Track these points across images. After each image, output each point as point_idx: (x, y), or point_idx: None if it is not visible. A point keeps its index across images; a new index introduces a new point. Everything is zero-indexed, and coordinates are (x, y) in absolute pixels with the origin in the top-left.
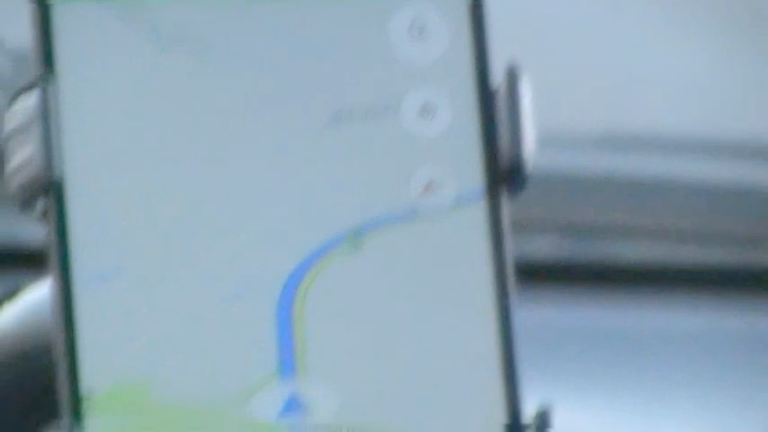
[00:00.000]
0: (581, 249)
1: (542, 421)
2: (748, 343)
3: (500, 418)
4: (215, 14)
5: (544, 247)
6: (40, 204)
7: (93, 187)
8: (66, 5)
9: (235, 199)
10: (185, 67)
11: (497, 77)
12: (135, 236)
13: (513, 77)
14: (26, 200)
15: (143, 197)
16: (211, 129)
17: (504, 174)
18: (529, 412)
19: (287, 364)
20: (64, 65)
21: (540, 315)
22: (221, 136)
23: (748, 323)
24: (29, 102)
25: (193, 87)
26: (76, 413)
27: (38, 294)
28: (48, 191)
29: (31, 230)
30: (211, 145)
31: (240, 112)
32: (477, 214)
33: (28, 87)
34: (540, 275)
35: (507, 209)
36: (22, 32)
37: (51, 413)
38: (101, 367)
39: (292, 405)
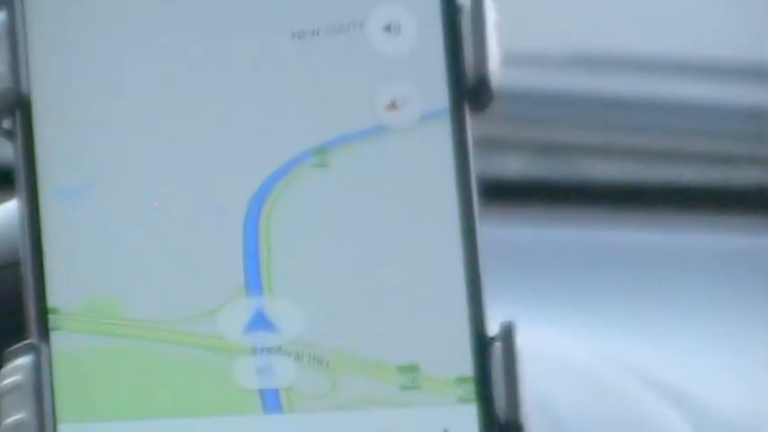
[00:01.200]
0: (552, 168)
1: (507, 335)
2: (714, 259)
3: (466, 335)
4: None
5: (515, 166)
6: (5, 120)
7: (60, 104)
8: None
9: (201, 116)
10: None
11: None
12: (103, 153)
13: None
14: None
15: (111, 114)
16: (177, 45)
17: (468, 91)
18: (494, 328)
19: (253, 281)
20: None
21: (511, 233)
22: (187, 52)
23: (717, 240)
24: None
25: (160, 5)
26: (43, 329)
27: (6, 210)
28: (15, 107)
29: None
30: (177, 62)
31: (205, 29)
32: (442, 131)
33: None
34: (511, 194)
35: (472, 126)
36: None
37: (20, 331)
38: (69, 283)
39: (258, 323)
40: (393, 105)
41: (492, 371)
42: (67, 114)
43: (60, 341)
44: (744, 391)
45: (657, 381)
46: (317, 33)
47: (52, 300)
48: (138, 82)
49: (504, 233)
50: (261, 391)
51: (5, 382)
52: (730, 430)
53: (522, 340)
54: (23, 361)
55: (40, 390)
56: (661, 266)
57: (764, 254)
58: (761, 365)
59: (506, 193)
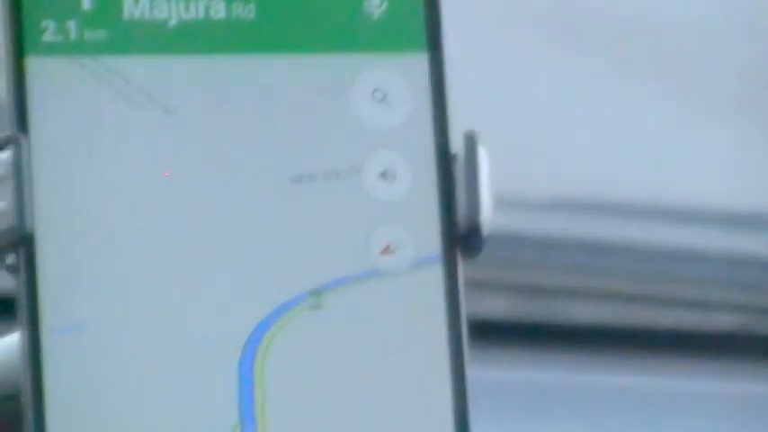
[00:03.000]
0: (533, 309)
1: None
2: (693, 402)
3: None
4: (184, 71)
5: (499, 307)
6: (9, 257)
7: (63, 241)
8: (40, 60)
9: (200, 255)
10: (155, 122)
11: (457, 144)
12: (103, 289)
13: (471, 144)
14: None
15: (112, 252)
16: (179, 184)
17: (461, 238)
18: None
19: (247, 419)
20: (37, 121)
21: (494, 372)
22: (188, 192)
23: (692, 382)
24: (2, 157)
25: (162, 143)
26: None
27: (8, 342)
28: (19, 244)
29: (3, 278)
30: (179, 200)
31: (207, 170)
32: (435, 276)
33: (2, 144)
34: (494, 333)
35: (463, 271)
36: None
37: None
38: (67, 415)
39: None
40: (387, 250)
41: None
42: (69, 251)
43: None
44: None
45: None
46: (315, 178)
47: (51, 430)
48: (140, 220)
49: (486, 373)
50: None
51: None
52: None
53: None
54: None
55: None
56: (639, 408)
57: (744, 399)
58: None
59: (490, 334)
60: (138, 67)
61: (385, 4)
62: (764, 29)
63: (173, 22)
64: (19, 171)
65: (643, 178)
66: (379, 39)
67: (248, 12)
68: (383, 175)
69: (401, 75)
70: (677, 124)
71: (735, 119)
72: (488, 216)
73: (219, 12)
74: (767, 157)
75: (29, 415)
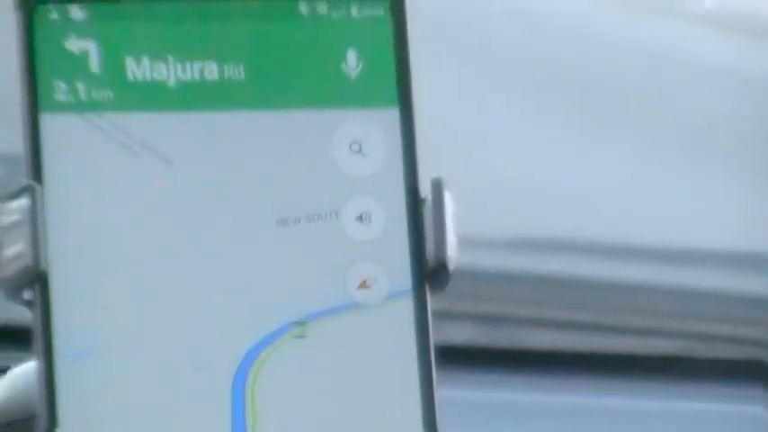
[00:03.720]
0: (495, 337)
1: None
2: (642, 418)
3: None
4: (181, 126)
5: (464, 334)
6: (26, 293)
7: (73, 278)
8: (52, 116)
9: (196, 289)
10: (154, 171)
11: (425, 189)
12: (108, 320)
13: (438, 190)
14: (15, 288)
15: (117, 286)
16: (176, 226)
17: (429, 273)
18: None
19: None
20: (50, 171)
21: (459, 392)
22: (185, 233)
23: (640, 401)
24: (20, 204)
25: (161, 190)
26: None
27: (25, 370)
28: (35, 282)
29: (20, 311)
30: (176, 240)
31: (202, 214)
32: (406, 307)
33: (19, 192)
34: (460, 358)
35: (432, 303)
36: (15, 139)
37: None
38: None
39: None
40: (363, 284)
41: None
42: (79, 286)
43: None
44: None
45: None
46: (299, 221)
47: None
48: (141, 258)
49: (452, 393)
50: None
51: None
52: None
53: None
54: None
55: None
56: (592, 424)
57: (687, 415)
58: None
59: (456, 358)
60: (139, 123)
61: (361, 66)
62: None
63: (171, 82)
64: (34, 216)
65: (593, 217)
66: (356, 96)
67: (238, 73)
68: (360, 218)
69: (375, 128)
70: (626, 165)
71: (682, 158)
72: (454, 254)
73: (212, 73)
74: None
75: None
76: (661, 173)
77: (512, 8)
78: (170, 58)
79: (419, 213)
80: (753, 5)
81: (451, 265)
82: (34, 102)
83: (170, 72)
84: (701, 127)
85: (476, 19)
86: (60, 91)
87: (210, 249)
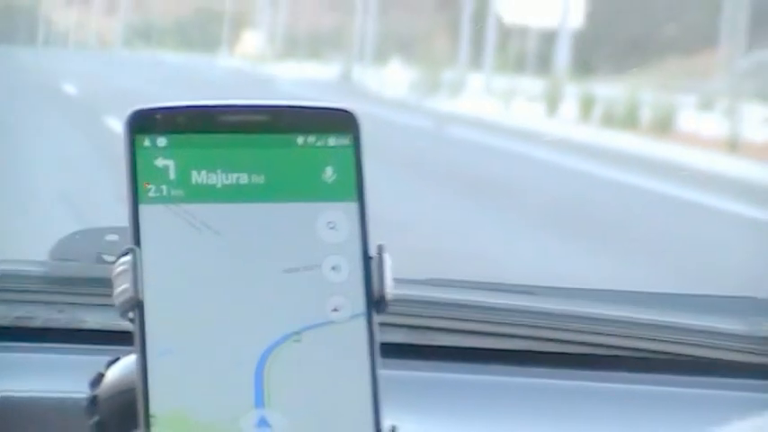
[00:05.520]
0: (416, 338)
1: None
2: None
3: (370, 429)
4: (226, 211)
5: (398, 337)
6: (130, 313)
7: (158, 305)
8: (146, 207)
9: (233, 311)
10: (213, 242)
11: (373, 251)
12: (180, 331)
13: (381, 251)
14: (124, 310)
15: (185, 309)
16: (221, 272)
17: (376, 302)
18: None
19: (260, 402)
20: (144, 240)
21: (395, 373)
22: (227, 276)
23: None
24: (126, 259)
25: (217, 251)
26: (148, 425)
27: (129, 360)
28: (135, 307)
29: (126, 324)
30: (222, 281)
31: (237, 264)
32: (362, 323)
33: (126, 252)
34: (395, 351)
35: (377, 320)
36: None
37: (135, 425)
38: (161, 401)
39: (262, 424)
40: (335, 309)
41: None
42: (162, 309)
43: None
44: None
45: None
46: (297, 270)
47: (153, 409)
48: (200, 293)
49: (391, 374)
50: None
51: None
52: None
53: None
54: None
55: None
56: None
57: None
58: None
59: (393, 351)
60: (200, 210)
61: (335, 175)
62: None
63: (219, 185)
64: (135, 266)
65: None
66: (331, 194)
67: (260, 180)
68: (333, 268)
69: (343, 213)
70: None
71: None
72: (390, 290)
73: (243, 179)
74: None
75: (140, 402)
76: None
77: None
78: (218, 171)
79: (369, 266)
80: None
81: (389, 297)
82: (135, 197)
83: (218, 179)
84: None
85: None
86: (151, 191)
87: (243, 286)
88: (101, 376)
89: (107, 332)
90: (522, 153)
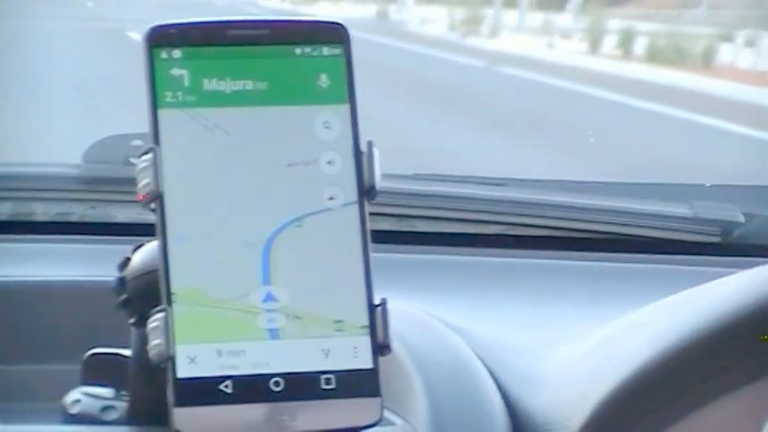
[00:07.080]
0: (402, 226)
1: (384, 304)
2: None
3: (365, 305)
4: (235, 114)
5: (386, 225)
6: (152, 204)
7: (176, 196)
8: (164, 110)
9: (244, 201)
10: (223, 141)
11: (364, 146)
12: (196, 218)
13: (370, 147)
14: (147, 202)
15: (201, 199)
16: (233, 166)
17: (366, 192)
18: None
19: (266, 279)
20: (163, 139)
21: (380, 255)
22: (238, 170)
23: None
24: (148, 156)
25: (227, 149)
26: (169, 301)
27: (152, 245)
28: (156, 198)
29: (150, 215)
30: (233, 174)
31: (247, 159)
32: (354, 211)
33: (147, 150)
34: (382, 237)
35: (367, 208)
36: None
37: (157, 302)
38: (180, 280)
39: (269, 298)
40: (331, 198)
41: (376, 321)
42: (180, 200)
43: (176, 308)
44: None
45: None
46: (298, 164)
47: (172, 287)
48: (213, 184)
49: (378, 256)
50: (269, 330)
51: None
52: None
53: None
54: (160, 315)
55: (167, 329)
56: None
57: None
58: None
59: (380, 239)
60: (212, 113)
61: (328, 81)
62: None
63: (228, 91)
64: (155, 163)
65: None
66: (326, 97)
67: (263, 86)
68: (329, 162)
69: (337, 114)
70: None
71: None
72: (378, 181)
73: (248, 86)
74: None
75: (163, 280)
76: None
77: None
78: (227, 78)
79: (360, 159)
80: None
81: (377, 187)
82: (154, 102)
83: (227, 86)
84: None
85: None
86: (168, 96)
87: (250, 180)
88: (127, 260)
89: (133, 225)
90: (586, 93)
